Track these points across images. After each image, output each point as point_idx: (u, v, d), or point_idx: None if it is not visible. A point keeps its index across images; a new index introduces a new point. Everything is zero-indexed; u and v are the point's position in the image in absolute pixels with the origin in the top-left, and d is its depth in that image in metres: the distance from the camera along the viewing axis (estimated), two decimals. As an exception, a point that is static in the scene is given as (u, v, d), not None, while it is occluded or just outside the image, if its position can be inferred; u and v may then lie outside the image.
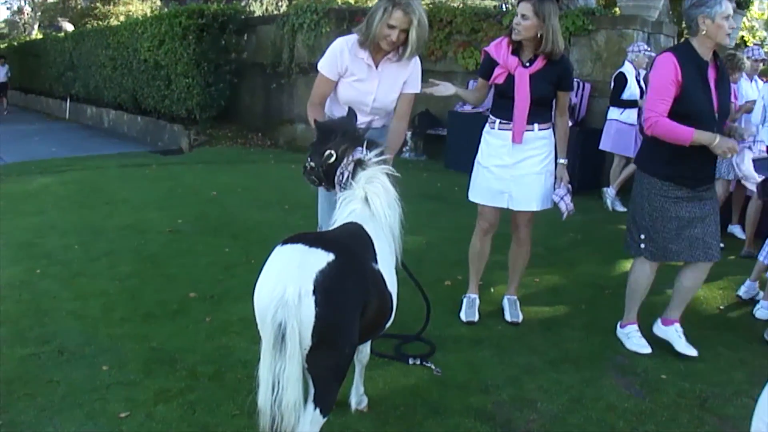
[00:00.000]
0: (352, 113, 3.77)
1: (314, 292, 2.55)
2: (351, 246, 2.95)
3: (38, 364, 4.09)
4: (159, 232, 7.06)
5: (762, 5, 21.64)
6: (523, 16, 4.42)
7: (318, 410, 2.68)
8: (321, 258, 2.64)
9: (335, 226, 3.24)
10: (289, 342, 2.51)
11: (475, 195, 4.89)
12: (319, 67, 4.28)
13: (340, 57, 4.20)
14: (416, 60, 4.36)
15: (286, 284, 2.54)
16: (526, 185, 4.67)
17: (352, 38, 4.21)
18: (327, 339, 2.60)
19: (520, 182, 4.66)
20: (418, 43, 4.11)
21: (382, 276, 3.02)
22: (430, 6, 13.40)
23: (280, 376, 2.53)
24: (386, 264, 3.14)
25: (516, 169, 4.65)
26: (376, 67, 4.23)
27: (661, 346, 4.47)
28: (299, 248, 2.70)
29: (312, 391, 2.68)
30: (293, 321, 2.51)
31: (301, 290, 2.54)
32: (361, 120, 4.07)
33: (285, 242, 2.78)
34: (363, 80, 4.24)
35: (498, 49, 4.64)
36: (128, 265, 5.93)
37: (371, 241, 3.12)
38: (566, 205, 4.67)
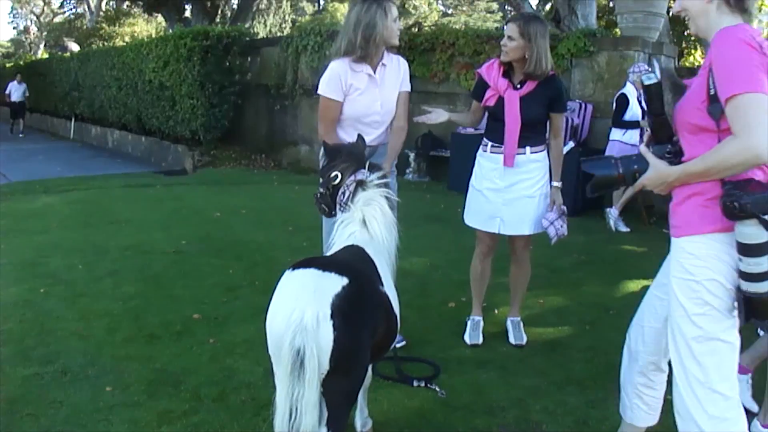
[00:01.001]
0: (360, 138, 3.79)
1: (332, 316, 2.54)
2: (362, 269, 2.96)
3: (41, 384, 4.08)
4: (163, 252, 7.07)
5: (761, 24, 21.71)
6: (509, 37, 4.42)
7: None
8: (336, 282, 2.63)
9: (335, 248, 3.25)
10: (308, 367, 2.49)
11: (470, 219, 4.85)
12: (322, 93, 4.33)
13: (344, 76, 4.27)
14: (401, 59, 4.56)
15: (304, 309, 2.53)
16: (518, 209, 4.63)
17: (345, 59, 4.30)
18: (343, 364, 2.60)
19: (512, 206, 4.62)
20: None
21: (388, 298, 3.03)
22: (433, 28, 13.47)
23: (299, 402, 2.51)
24: (389, 286, 3.15)
25: (508, 193, 4.60)
26: (375, 73, 4.33)
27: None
28: (313, 273, 2.69)
29: (325, 415, 2.65)
30: (312, 346, 2.49)
31: (319, 315, 2.52)
32: (373, 133, 4.32)
33: (295, 267, 2.77)
34: (365, 91, 4.33)
35: (489, 70, 4.63)
36: (132, 286, 5.93)
37: (374, 263, 3.14)
38: (556, 229, 4.59)
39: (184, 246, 7.35)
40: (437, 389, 4.11)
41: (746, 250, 2.42)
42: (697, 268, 2.57)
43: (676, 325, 2.66)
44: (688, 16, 2.68)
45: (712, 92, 2.45)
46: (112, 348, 4.61)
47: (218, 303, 5.54)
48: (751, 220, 2.38)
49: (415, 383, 4.16)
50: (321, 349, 2.52)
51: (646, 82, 2.80)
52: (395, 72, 4.47)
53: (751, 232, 2.39)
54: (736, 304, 2.55)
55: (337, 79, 4.27)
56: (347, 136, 4.32)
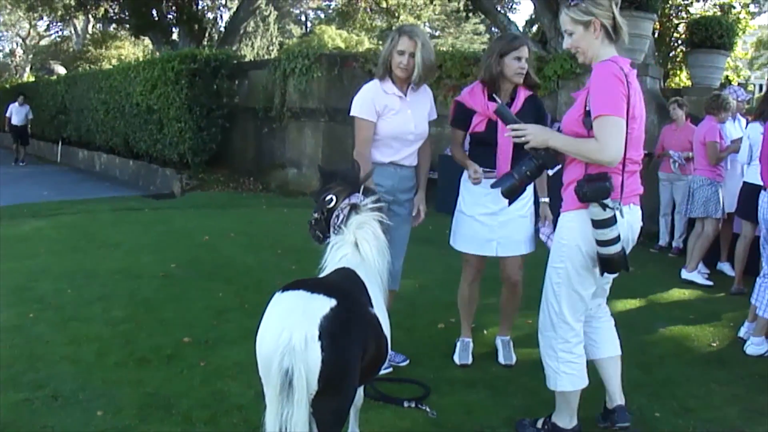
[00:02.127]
0: (355, 162, 3.86)
1: (320, 337, 2.58)
2: (351, 291, 2.99)
3: (32, 409, 4.07)
4: (152, 276, 7.07)
5: (745, 45, 21.95)
6: (526, 59, 4.54)
7: None
8: (324, 304, 2.67)
9: (327, 271, 3.28)
10: (297, 387, 2.53)
11: (461, 244, 4.87)
12: (357, 115, 4.52)
13: (376, 97, 4.50)
14: (428, 89, 4.77)
15: (292, 330, 2.57)
16: (513, 230, 4.68)
17: (375, 81, 4.57)
18: (332, 384, 2.63)
19: (507, 227, 4.67)
20: (423, 64, 4.43)
21: (378, 320, 3.06)
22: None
23: (288, 422, 2.55)
24: (380, 308, 3.18)
25: (502, 215, 4.63)
26: (405, 96, 4.56)
27: (656, 383, 4.49)
28: (301, 294, 2.74)
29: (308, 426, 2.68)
30: (300, 366, 2.53)
31: (307, 336, 2.57)
32: (407, 151, 4.61)
33: (285, 289, 2.81)
34: (399, 111, 4.54)
35: (473, 96, 4.65)
36: (122, 310, 5.93)
37: (365, 286, 3.17)
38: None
39: (173, 269, 7.35)
40: (427, 410, 4.14)
41: (596, 224, 3.38)
42: (566, 234, 3.58)
43: (549, 269, 3.70)
44: (578, 51, 3.55)
45: (588, 108, 3.38)
46: (102, 372, 4.62)
47: (208, 326, 5.55)
48: (594, 203, 3.33)
49: (406, 404, 4.19)
50: (309, 370, 2.56)
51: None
52: (425, 97, 4.73)
53: (596, 211, 3.36)
54: (595, 263, 3.53)
55: (371, 100, 4.50)
56: (381, 155, 4.57)
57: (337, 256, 3.32)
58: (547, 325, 3.71)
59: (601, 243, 3.41)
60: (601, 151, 3.30)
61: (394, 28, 4.58)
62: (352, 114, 4.55)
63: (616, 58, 3.46)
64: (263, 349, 2.66)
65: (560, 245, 3.61)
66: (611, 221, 3.36)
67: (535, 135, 3.47)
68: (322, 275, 3.28)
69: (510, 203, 3.79)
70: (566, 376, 3.69)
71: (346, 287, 3.01)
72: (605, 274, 3.59)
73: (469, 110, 4.66)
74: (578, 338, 3.71)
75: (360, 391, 3.53)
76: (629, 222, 3.55)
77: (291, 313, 2.66)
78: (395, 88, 4.53)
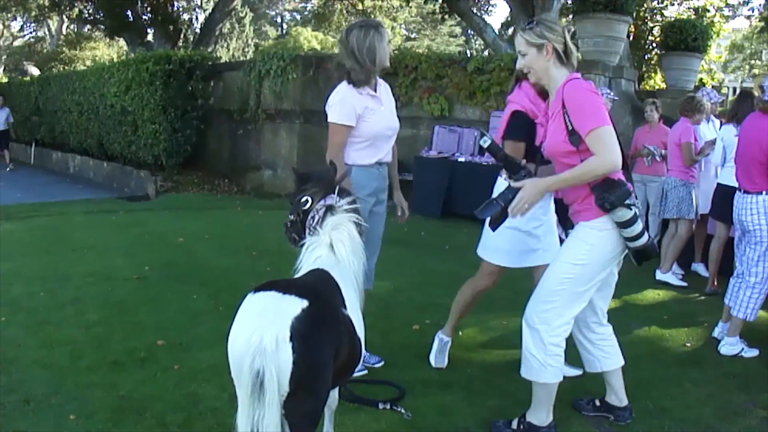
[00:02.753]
0: (331, 164, 3.86)
1: (291, 338, 2.57)
2: (323, 292, 2.97)
3: (3, 413, 4.04)
4: (126, 279, 7.02)
5: (719, 48, 22.16)
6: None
7: None
8: (296, 305, 2.66)
9: (302, 272, 3.27)
10: (268, 389, 2.52)
11: (504, 259, 4.63)
12: (335, 121, 4.45)
13: (356, 101, 4.44)
14: (385, 83, 4.78)
15: (263, 332, 2.55)
16: (552, 234, 4.64)
17: (346, 86, 4.50)
18: (304, 385, 2.62)
19: (551, 233, 4.62)
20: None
21: (351, 321, 3.05)
22: (396, 52, 13.57)
23: (260, 424, 2.54)
24: (354, 309, 3.18)
25: (547, 222, 4.58)
26: (377, 93, 4.55)
27: (631, 383, 4.51)
28: (273, 295, 2.72)
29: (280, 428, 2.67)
30: (272, 368, 2.52)
31: (278, 337, 2.55)
32: (386, 148, 4.62)
33: (257, 290, 2.79)
34: (376, 110, 4.50)
35: (534, 101, 4.37)
36: (95, 313, 5.88)
37: (338, 287, 3.16)
38: None
39: (147, 272, 7.31)
40: (403, 411, 4.14)
41: (624, 224, 3.57)
42: (596, 238, 3.67)
43: (561, 264, 3.77)
44: (531, 71, 3.71)
45: (570, 128, 3.53)
46: (75, 376, 4.58)
47: (182, 329, 5.52)
48: (618, 208, 3.51)
49: (381, 406, 4.18)
50: (281, 371, 2.55)
51: (484, 145, 3.62)
52: (387, 92, 4.73)
53: (622, 213, 3.55)
54: (629, 254, 3.76)
55: (351, 105, 4.43)
56: (367, 157, 4.55)
57: (311, 257, 3.31)
58: (543, 317, 3.78)
59: (631, 239, 3.64)
60: (604, 163, 3.45)
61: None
62: (332, 121, 4.45)
63: (575, 75, 3.66)
64: (235, 351, 2.64)
65: (586, 245, 3.69)
66: (636, 217, 3.59)
67: (532, 195, 3.53)
68: (296, 276, 3.27)
69: (494, 229, 3.79)
70: (551, 369, 3.77)
71: (318, 288, 2.99)
72: (641, 263, 3.81)
73: (530, 121, 4.38)
74: (568, 332, 3.83)
75: (334, 393, 3.52)
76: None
77: (262, 314, 2.65)
78: (367, 88, 4.49)
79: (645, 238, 3.65)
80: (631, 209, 3.55)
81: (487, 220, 3.86)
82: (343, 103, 4.44)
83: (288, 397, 2.60)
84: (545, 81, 3.73)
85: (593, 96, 3.55)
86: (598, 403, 4.19)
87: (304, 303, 2.67)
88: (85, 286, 6.74)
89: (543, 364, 3.76)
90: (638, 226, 3.61)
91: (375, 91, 4.54)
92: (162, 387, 4.45)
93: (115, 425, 3.92)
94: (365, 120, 4.46)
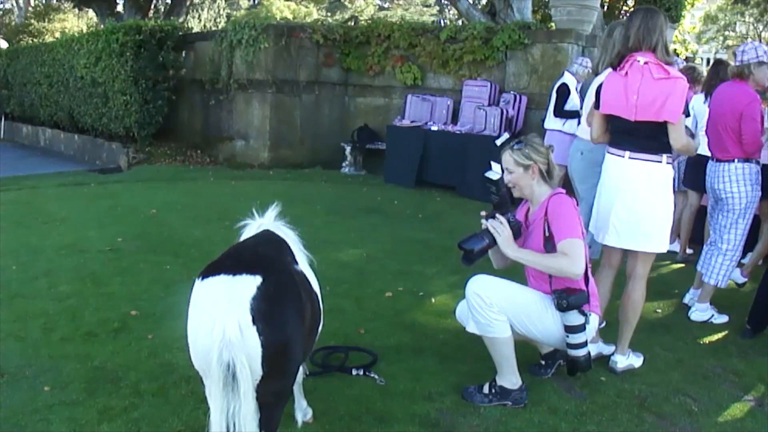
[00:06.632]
0: None
1: (254, 321, 2.49)
2: (273, 259, 2.91)
3: (-23, 386, 4.03)
4: (99, 250, 7.00)
5: (693, 19, 22.25)
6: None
7: None
8: (249, 284, 2.57)
9: (246, 234, 3.34)
10: (241, 380, 2.44)
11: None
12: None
13: None
14: None
15: (225, 322, 2.46)
16: None
17: None
18: (277, 365, 2.56)
19: None
20: None
21: (306, 278, 3.04)
22: (369, 21, 13.53)
23: (236, 417, 2.46)
24: (304, 263, 3.19)
25: None
26: None
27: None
28: (223, 279, 2.62)
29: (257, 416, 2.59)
30: (242, 357, 2.44)
31: (240, 324, 2.47)
32: None
33: (204, 276, 2.69)
34: None
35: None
36: (68, 285, 5.87)
37: (285, 242, 3.15)
38: None
39: (120, 244, 7.28)
40: (376, 377, 4.19)
41: (570, 329, 3.79)
42: None
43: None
44: (516, 186, 4.01)
45: (547, 234, 3.86)
46: (49, 348, 4.58)
47: (156, 299, 5.53)
48: (573, 310, 3.75)
49: (354, 372, 4.23)
50: (251, 358, 2.47)
51: (493, 177, 3.90)
52: None
53: (574, 318, 3.77)
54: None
55: None
56: None
57: (252, 230, 3.37)
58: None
59: (573, 346, 3.85)
60: (572, 265, 3.74)
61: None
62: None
63: (560, 191, 4.02)
64: (198, 346, 2.56)
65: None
66: (584, 327, 3.82)
67: (506, 239, 3.86)
68: (241, 241, 3.29)
69: (470, 264, 3.94)
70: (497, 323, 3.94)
71: (267, 255, 2.92)
72: (574, 374, 4.11)
73: None
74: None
75: (301, 366, 3.52)
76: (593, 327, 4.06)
77: (217, 303, 2.55)
78: None
79: (584, 351, 3.89)
80: (582, 317, 3.80)
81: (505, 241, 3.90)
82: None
83: (261, 380, 2.54)
84: (527, 194, 4.07)
85: (575, 212, 3.91)
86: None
87: (258, 279, 2.58)
88: (57, 258, 6.71)
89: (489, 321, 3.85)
90: (583, 336, 3.84)
91: None
92: (136, 357, 4.46)
93: (89, 395, 3.93)
94: None
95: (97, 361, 4.38)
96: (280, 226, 3.38)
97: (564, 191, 4.03)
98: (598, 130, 4.60)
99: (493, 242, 3.87)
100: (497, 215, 3.88)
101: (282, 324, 2.60)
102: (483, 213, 3.95)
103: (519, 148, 3.98)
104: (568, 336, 3.82)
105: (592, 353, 4.10)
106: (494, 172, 3.91)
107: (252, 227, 3.41)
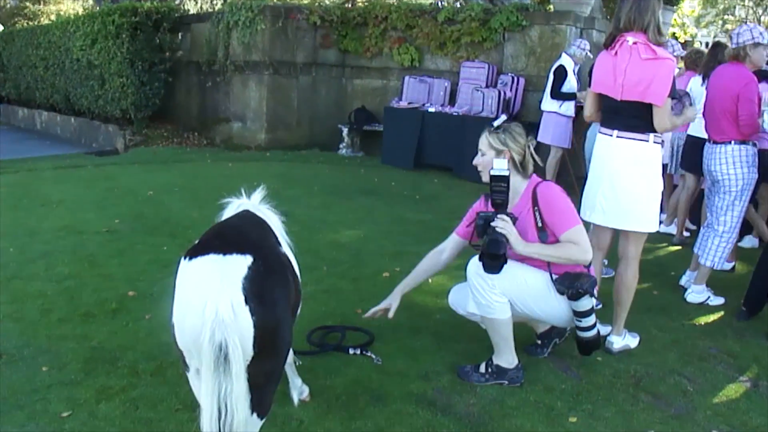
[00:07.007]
0: None
1: (247, 301, 2.46)
2: (260, 239, 2.93)
3: (-25, 367, 4.04)
4: (96, 232, 7.01)
5: (693, 3, 22.18)
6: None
7: (256, 414, 2.64)
8: (241, 263, 2.55)
9: (226, 215, 3.34)
10: (233, 360, 2.41)
11: None
12: None
13: None
14: None
15: (217, 301, 2.42)
16: None
17: None
18: (268, 344, 2.54)
19: None
20: None
21: (289, 260, 3.05)
22: (366, 3, 13.48)
23: (228, 398, 2.43)
24: (285, 244, 3.20)
25: None
26: None
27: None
28: (213, 259, 2.59)
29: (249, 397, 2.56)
30: (234, 338, 2.41)
31: (233, 303, 2.43)
32: None
33: (192, 255, 2.65)
34: None
35: None
36: (66, 266, 5.88)
37: (267, 224, 3.17)
38: None
39: (117, 225, 7.29)
40: (372, 357, 4.22)
41: (581, 314, 3.81)
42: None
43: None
44: (485, 171, 3.91)
45: (539, 225, 3.85)
46: (47, 329, 4.60)
47: (153, 280, 5.53)
48: (586, 295, 3.74)
49: (351, 351, 4.26)
50: (244, 338, 2.45)
51: (504, 174, 3.71)
52: None
53: (586, 302, 3.77)
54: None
55: None
56: None
57: (231, 210, 3.37)
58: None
59: (584, 329, 3.89)
60: (583, 252, 3.77)
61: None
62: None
63: (538, 180, 4.02)
64: (188, 326, 2.51)
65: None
66: (593, 309, 3.85)
67: (516, 237, 3.73)
68: (223, 220, 3.30)
69: (498, 271, 3.76)
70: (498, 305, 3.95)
71: (254, 235, 2.93)
72: (589, 353, 4.12)
73: None
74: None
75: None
76: None
77: (208, 282, 2.50)
78: None
79: (595, 331, 3.93)
80: (592, 300, 3.80)
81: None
82: None
83: (252, 360, 2.51)
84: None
85: (567, 198, 3.93)
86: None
87: (248, 259, 2.56)
88: (54, 240, 6.72)
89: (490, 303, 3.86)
90: (593, 318, 3.87)
91: None
92: (134, 337, 4.48)
93: (87, 375, 3.95)
94: None
95: (95, 341, 4.40)
96: (261, 208, 3.38)
97: (542, 180, 4.03)
98: (590, 109, 4.65)
99: (507, 242, 3.73)
100: (500, 215, 3.72)
101: (273, 304, 2.59)
102: (480, 214, 3.79)
103: (497, 131, 4.00)
104: (580, 320, 3.85)
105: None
106: (501, 169, 3.72)
107: (232, 206, 3.42)
